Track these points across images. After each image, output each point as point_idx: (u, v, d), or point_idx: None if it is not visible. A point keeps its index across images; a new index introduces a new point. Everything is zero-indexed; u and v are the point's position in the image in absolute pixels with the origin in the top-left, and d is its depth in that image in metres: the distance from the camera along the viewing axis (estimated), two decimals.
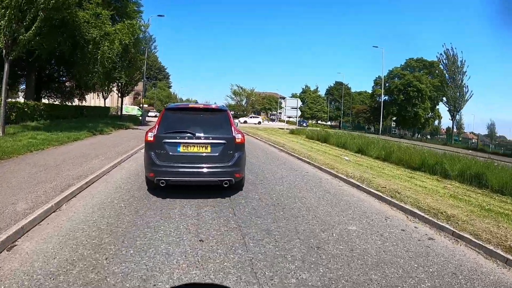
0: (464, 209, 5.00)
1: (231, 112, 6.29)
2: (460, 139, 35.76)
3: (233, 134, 4.90)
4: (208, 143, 4.73)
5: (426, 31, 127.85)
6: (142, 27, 19.24)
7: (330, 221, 4.23)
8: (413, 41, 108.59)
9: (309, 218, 4.31)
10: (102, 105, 29.14)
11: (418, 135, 47.02)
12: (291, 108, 25.72)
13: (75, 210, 4.06)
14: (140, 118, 26.42)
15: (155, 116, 39.77)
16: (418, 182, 7.09)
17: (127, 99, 60.23)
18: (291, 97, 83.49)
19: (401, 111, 49.90)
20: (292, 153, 10.97)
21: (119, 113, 29.71)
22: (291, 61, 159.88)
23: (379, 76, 55.75)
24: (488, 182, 6.93)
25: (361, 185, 6.38)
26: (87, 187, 5.17)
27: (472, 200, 5.66)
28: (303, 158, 9.84)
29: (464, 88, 31.24)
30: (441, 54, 33.56)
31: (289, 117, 28.94)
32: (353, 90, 72.78)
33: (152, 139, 4.71)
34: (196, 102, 7.89)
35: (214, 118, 5.15)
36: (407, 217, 4.68)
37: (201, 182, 4.88)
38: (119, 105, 51.33)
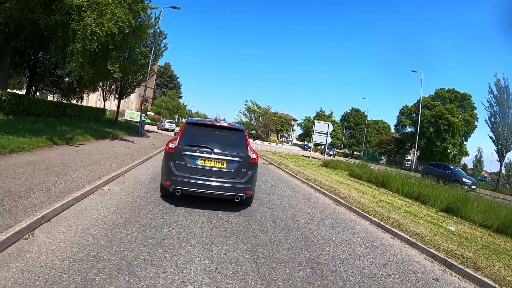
0: None
1: None
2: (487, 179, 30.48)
3: (249, 153, 5.00)
4: (225, 160, 4.83)
5: (453, 60, 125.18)
6: (149, 10, 15.27)
7: None
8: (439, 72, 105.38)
9: None
10: (111, 109, 24.82)
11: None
12: (320, 133, 20.98)
13: None
14: (138, 125, 21.45)
15: (172, 130, 32.34)
16: None
17: (134, 105, 56.93)
18: (304, 120, 76.58)
19: (429, 145, 45.01)
20: (370, 216, 6.29)
21: (121, 118, 25.60)
22: (307, 84, 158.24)
23: (406, 105, 51.30)
24: None
25: None
26: None
27: None
28: (398, 233, 5.34)
29: None
30: (490, 85, 28.64)
31: (317, 144, 24.06)
32: (369, 118, 68.12)
33: (173, 149, 4.81)
34: (217, 119, 7.81)
35: (232, 136, 5.19)
36: None
37: (214, 195, 4.83)
38: (125, 109, 47.40)
